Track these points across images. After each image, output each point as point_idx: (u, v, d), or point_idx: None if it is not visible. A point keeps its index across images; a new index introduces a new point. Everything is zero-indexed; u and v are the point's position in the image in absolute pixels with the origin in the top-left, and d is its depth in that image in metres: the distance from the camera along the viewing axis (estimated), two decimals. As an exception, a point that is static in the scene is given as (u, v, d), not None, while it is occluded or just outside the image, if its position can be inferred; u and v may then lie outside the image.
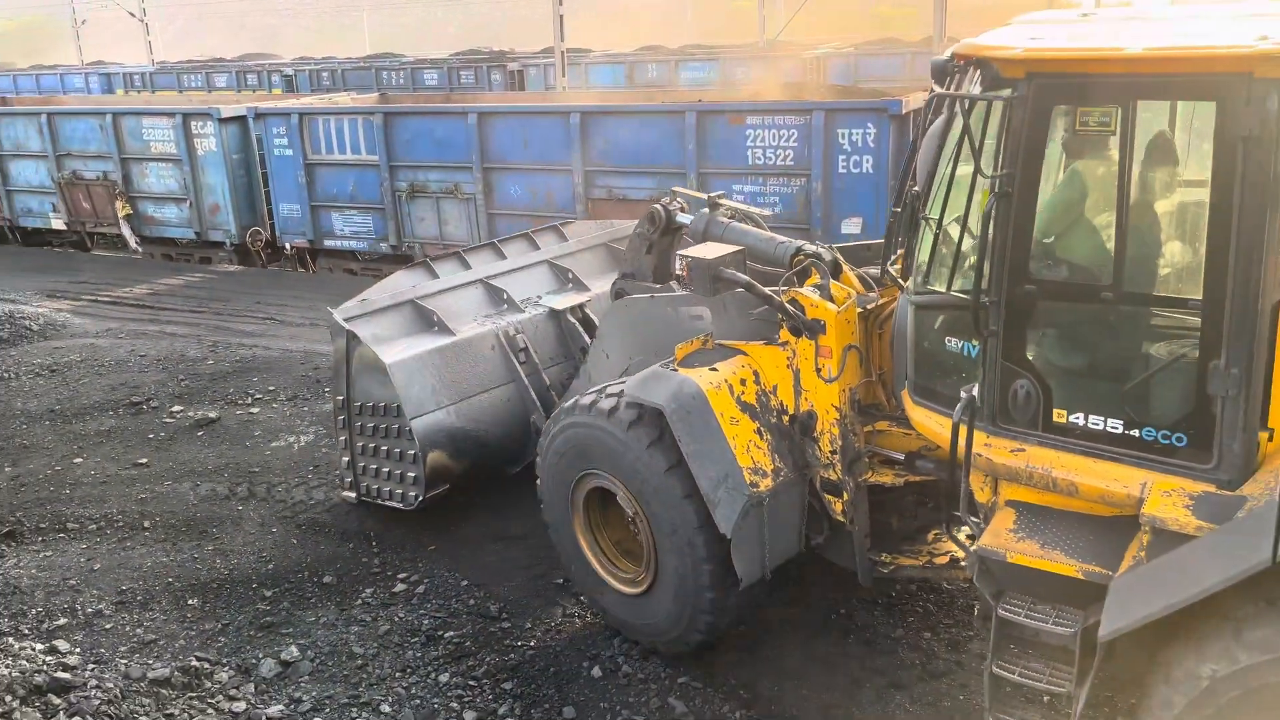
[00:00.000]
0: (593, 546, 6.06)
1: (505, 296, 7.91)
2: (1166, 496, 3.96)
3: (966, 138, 4.12)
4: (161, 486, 8.20)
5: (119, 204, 16.94)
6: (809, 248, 5.90)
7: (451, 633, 6.19)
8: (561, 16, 20.26)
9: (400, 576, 6.82)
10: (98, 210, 17.37)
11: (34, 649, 5.95)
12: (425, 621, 6.31)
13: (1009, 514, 4.49)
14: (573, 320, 7.83)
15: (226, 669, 5.78)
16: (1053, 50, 4.05)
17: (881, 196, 11.18)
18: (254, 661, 5.89)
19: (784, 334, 5.45)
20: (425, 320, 7.53)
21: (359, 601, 6.58)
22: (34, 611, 6.50)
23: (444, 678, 5.77)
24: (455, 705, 5.55)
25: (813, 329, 5.29)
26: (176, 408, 9.84)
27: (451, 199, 14.07)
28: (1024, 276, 4.21)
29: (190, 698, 5.43)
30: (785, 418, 5.53)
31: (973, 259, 4.30)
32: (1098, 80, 3.93)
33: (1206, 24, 4.21)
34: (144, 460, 8.68)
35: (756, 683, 5.61)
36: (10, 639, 6.13)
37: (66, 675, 5.37)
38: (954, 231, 4.43)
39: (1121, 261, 4.03)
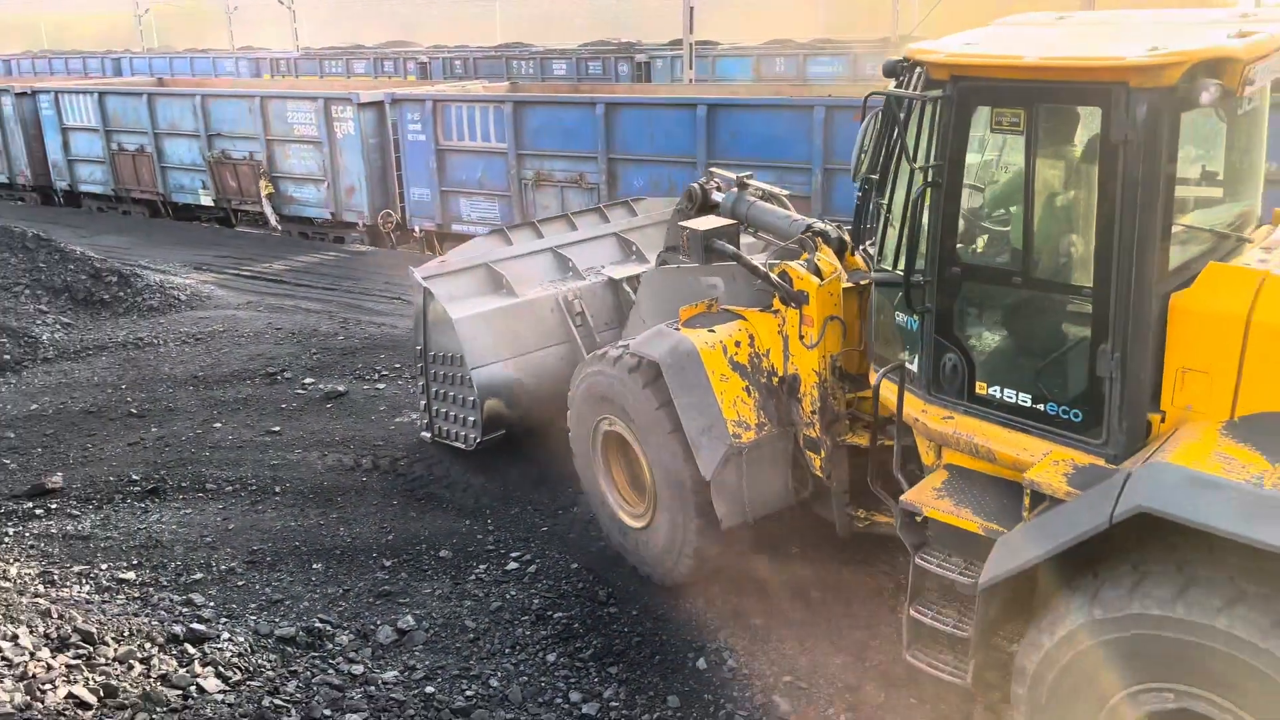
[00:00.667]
0: (609, 483, 6.78)
1: (571, 265, 8.50)
2: (1053, 465, 4.36)
3: (896, 130, 4.72)
4: (292, 454, 8.57)
5: (262, 183, 17.76)
6: (818, 225, 6.36)
7: (560, 614, 6.30)
8: (691, 9, 20.25)
9: (513, 555, 6.97)
10: (243, 188, 18.25)
11: (172, 600, 6.32)
12: (535, 601, 6.43)
13: (941, 475, 4.97)
14: (628, 289, 8.21)
15: (347, 633, 6.01)
16: (972, 56, 4.44)
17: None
18: (372, 627, 6.11)
19: (776, 303, 5.99)
20: (495, 282, 8.19)
21: (473, 577, 6.75)
22: (173, 565, 6.89)
23: (551, 657, 5.88)
24: (561, 685, 5.65)
25: (798, 299, 5.76)
26: (308, 380, 10.28)
27: (576, 188, 14.25)
28: (952, 260, 4.65)
29: (313, 657, 5.67)
30: (775, 379, 6.05)
31: (921, 249, 4.73)
32: (1006, 85, 4.34)
33: (1134, 33, 4.41)
34: (276, 428, 9.09)
35: (861, 686, 5.54)
36: (151, 589, 6.51)
37: (201, 627, 5.68)
38: (899, 216, 4.86)
39: (1028, 250, 4.43)
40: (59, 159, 20.92)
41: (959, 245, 4.71)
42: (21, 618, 5.38)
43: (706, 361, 5.90)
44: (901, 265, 4.76)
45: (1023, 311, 4.73)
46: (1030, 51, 4.27)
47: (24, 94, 21.27)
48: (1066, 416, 4.46)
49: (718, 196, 7.21)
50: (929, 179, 4.55)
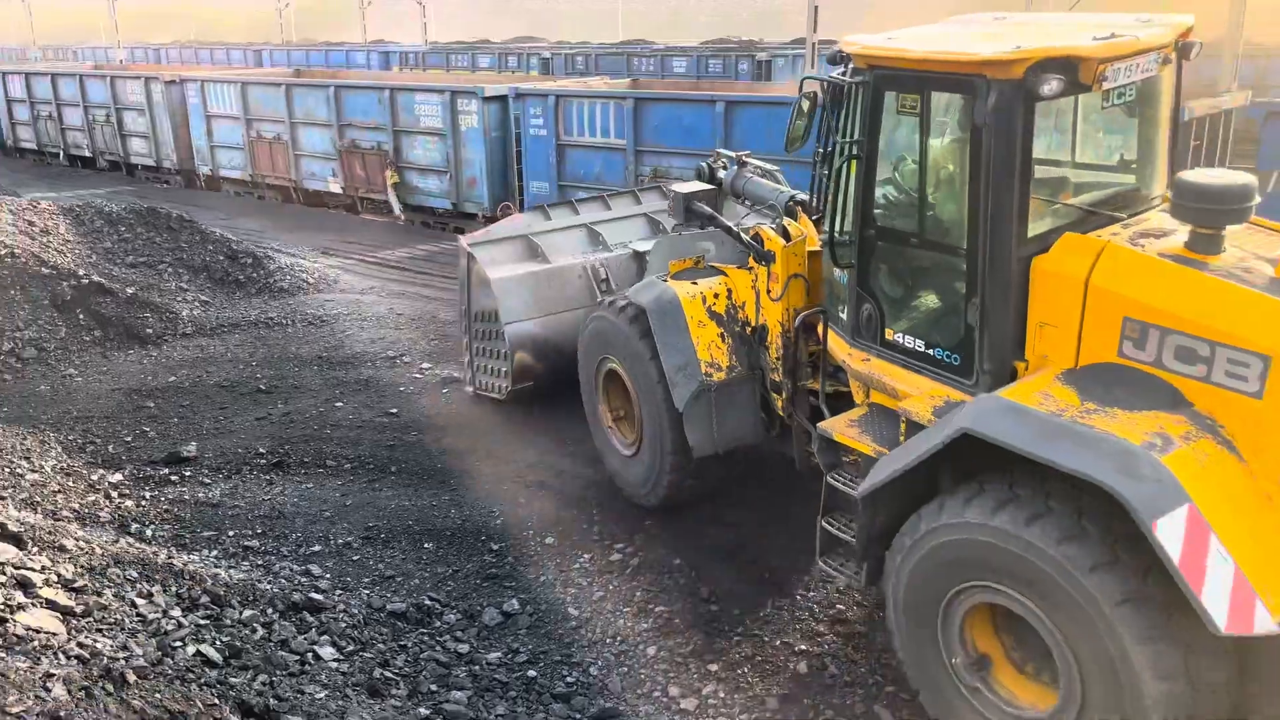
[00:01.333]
0: (607, 415, 7.76)
1: (602, 239, 9.42)
2: (927, 399, 5.20)
3: (826, 111, 5.73)
4: (408, 436, 8.84)
5: (388, 172, 18.32)
6: (800, 195, 7.00)
7: (662, 608, 6.33)
8: (816, 7, 20.02)
9: (617, 547, 7.04)
10: (370, 177, 18.87)
11: (292, 569, 6.60)
12: (638, 594, 6.49)
13: (861, 410, 5.87)
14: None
15: (454, 612, 6.18)
16: (883, 49, 5.14)
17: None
18: (479, 609, 6.27)
19: (751, 261, 6.68)
20: (532, 251, 9.17)
21: (577, 565, 6.85)
22: (294, 536, 7.20)
23: (651, 650, 5.92)
24: (661, 679, 5.68)
25: (767, 258, 6.48)
26: (425, 365, 10.58)
27: (692, 185, 14.26)
28: (869, 223, 5.44)
29: (421, 633, 5.85)
30: (748, 329, 6.82)
31: (842, 222, 5.55)
32: (906, 74, 5.06)
33: (1029, 33, 5.03)
34: (394, 410, 9.39)
35: (968, 704, 5.40)
36: (273, 558, 6.82)
37: (319, 597, 5.92)
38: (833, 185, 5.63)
39: (921, 216, 5.25)
40: (202, 145, 22.01)
41: (875, 210, 5.47)
42: (156, 577, 5.71)
43: (686, 309, 6.77)
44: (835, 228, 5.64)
45: (919, 269, 5.48)
46: (925, 47, 4.99)
47: (172, 82, 22.45)
48: (948, 360, 5.23)
49: (722, 174, 7.86)
50: (852, 153, 5.37)
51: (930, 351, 5.30)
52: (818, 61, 20.78)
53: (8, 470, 7.71)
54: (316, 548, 7.01)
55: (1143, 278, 4.61)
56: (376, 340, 11.39)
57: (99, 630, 4.84)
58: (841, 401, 6.18)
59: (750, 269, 6.73)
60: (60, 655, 4.36)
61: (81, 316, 11.44)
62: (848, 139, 5.37)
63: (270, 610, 5.66)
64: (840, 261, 5.61)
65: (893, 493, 4.93)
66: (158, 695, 4.02)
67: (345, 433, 8.92)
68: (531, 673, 5.63)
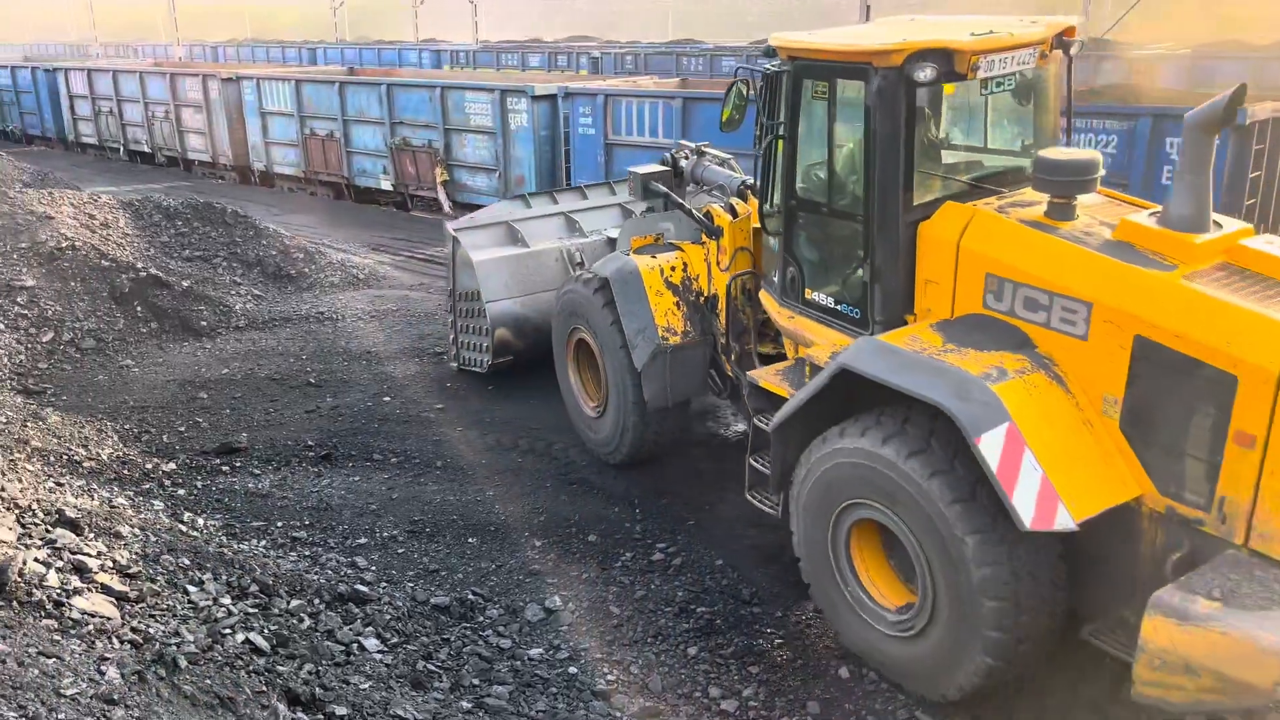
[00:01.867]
0: (576, 381, 8.57)
1: (578, 226, 10.14)
2: (831, 347, 6.01)
3: (759, 98, 6.43)
4: (453, 431, 8.92)
5: (438, 170, 18.51)
6: (749, 180, 7.79)
7: (703, 608, 6.33)
8: (868, 6, 19.89)
9: (659, 546, 7.05)
10: (420, 174, 19.06)
11: (338, 561, 6.69)
12: (679, 593, 6.48)
13: (789, 362, 6.75)
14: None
15: (497, 607, 6.22)
16: (802, 42, 5.94)
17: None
18: (521, 604, 6.30)
19: (704, 237, 7.53)
20: (512, 236, 9.88)
21: (619, 564, 6.86)
22: (340, 528, 7.29)
23: (692, 650, 5.92)
24: (701, 679, 5.68)
25: (716, 233, 7.34)
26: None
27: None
28: (791, 194, 6.25)
29: (464, 628, 5.90)
30: (701, 298, 7.64)
31: (774, 195, 6.45)
32: (817, 64, 5.91)
33: (923, 29, 5.79)
34: (441, 406, 9.48)
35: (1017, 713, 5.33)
36: (320, 549, 6.92)
37: (365, 589, 5.99)
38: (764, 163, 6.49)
39: (829, 188, 6.06)
40: (257, 141, 22.39)
41: (796, 184, 6.25)
42: (207, 565, 5.82)
43: (645, 279, 7.53)
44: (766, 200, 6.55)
45: (829, 235, 6.30)
46: (833, 41, 5.82)
47: (229, 80, 22.86)
48: (850, 314, 6.09)
49: (684, 163, 8.64)
50: (778, 133, 6.21)
51: (838, 307, 6.20)
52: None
53: (66, 457, 7.90)
54: (362, 540, 7.10)
55: (1002, 240, 5.45)
56: (425, 336, 11.50)
57: (151, 616, 4.95)
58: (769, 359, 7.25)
59: (704, 244, 7.60)
60: (114, 639, 4.47)
61: (139, 308, 11.69)
62: (775, 122, 6.22)
63: (317, 601, 5.74)
64: (770, 230, 6.64)
65: (797, 426, 5.76)
66: (207, 681, 4.10)
67: (392, 427, 9.03)
68: (572, 669, 5.65)
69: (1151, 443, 4.84)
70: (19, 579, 4.64)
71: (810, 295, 6.36)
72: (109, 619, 4.68)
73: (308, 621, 5.44)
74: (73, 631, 4.43)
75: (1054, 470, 4.72)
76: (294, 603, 5.60)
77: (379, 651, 5.34)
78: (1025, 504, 4.62)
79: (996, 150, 6.32)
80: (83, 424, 8.98)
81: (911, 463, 5.00)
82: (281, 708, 4.26)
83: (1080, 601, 5.14)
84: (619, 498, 7.74)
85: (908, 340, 5.34)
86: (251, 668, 4.65)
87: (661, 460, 8.27)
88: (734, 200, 7.53)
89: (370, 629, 5.53)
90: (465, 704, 5.04)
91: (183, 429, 9.08)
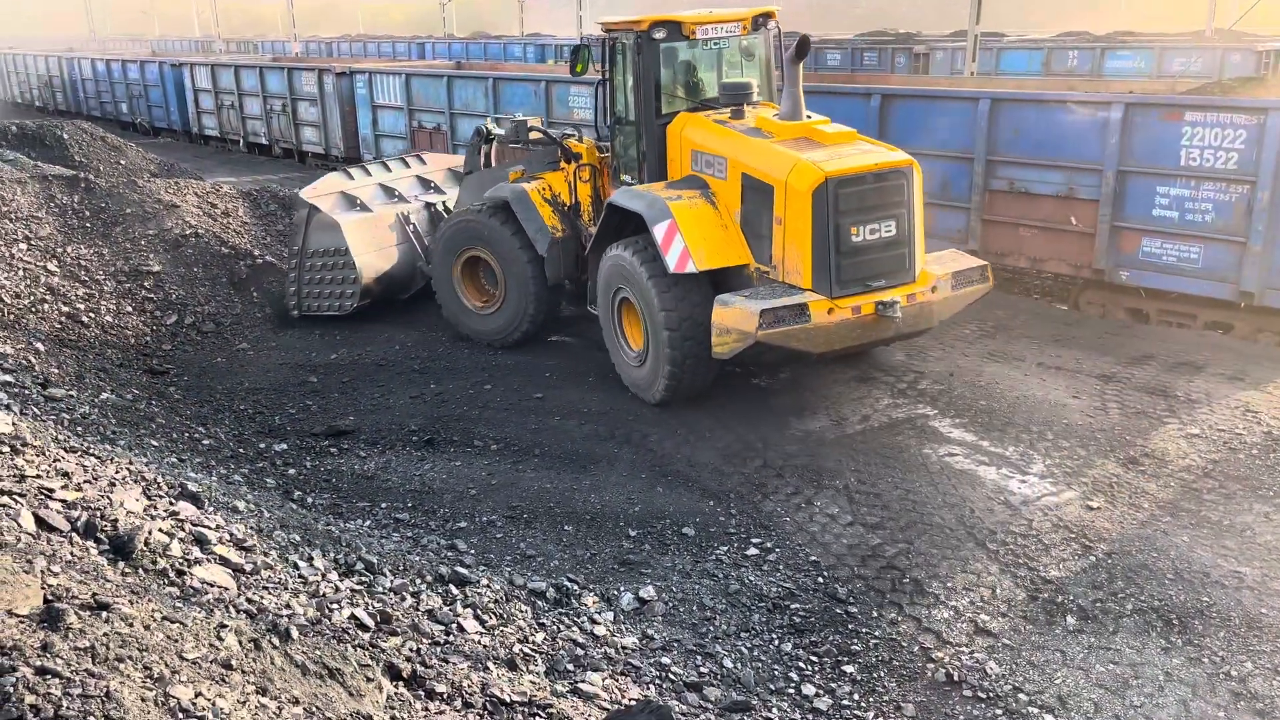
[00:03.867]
0: (463, 290, 11.23)
1: (396, 193, 12.71)
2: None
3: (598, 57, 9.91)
4: (552, 420, 9.05)
5: (540, 163, 18.72)
6: (570, 133, 11.28)
7: (797, 605, 6.29)
8: (980, -2, 19.35)
9: (754, 541, 7.03)
10: (523, 167, 19.31)
11: (439, 544, 6.87)
12: (773, 589, 6.46)
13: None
14: (439, 209, 12.65)
15: (592, 594, 6.29)
16: (610, 21, 9.63)
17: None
18: (615, 593, 6.36)
19: (562, 164, 10.66)
20: (351, 203, 12.14)
21: (713, 557, 6.87)
22: (441, 511, 7.48)
23: (786, 647, 5.89)
24: (794, 676, 5.65)
25: (575, 157, 10.52)
26: (569, 341, 10.78)
27: (843, 180, 14.03)
28: (614, 115, 9.89)
29: (560, 613, 5.99)
30: (566, 207, 10.63)
31: (606, 119, 10.10)
32: (616, 33, 9.51)
33: (676, 13, 9.36)
34: (540, 395, 9.62)
35: (1119, 729, 5.16)
36: (421, 531, 7.11)
37: (464, 571, 6.13)
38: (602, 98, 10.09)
39: (625, 109, 9.71)
40: (368, 133, 23.02)
41: (614, 109, 9.84)
42: (316, 542, 6.04)
43: (532, 196, 10.50)
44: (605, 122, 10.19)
45: (624, 138, 9.85)
46: (619, 17, 9.63)
47: (342, 74, 23.55)
48: (634, 183, 9.67)
49: (497, 131, 11.78)
50: (606, 78, 9.83)
51: (630, 181, 9.78)
52: (978, 54, 20.11)
53: (188, 435, 8.29)
54: (462, 524, 7.27)
55: (699, 131, 9.22)
56: (524, 326, 11.66)
57: (265, 588, 5.16)
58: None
59: (561, 169, 10.67)
60: (231, 609, 4.68)
61: (255, 294, 12.17)
62: (604, 71, 9.80)
63: (418, 580, 5.91)
64: (603, 139, 10.28)
65: (596, 253, 9.71)
66: (317, 652, 4.26)
67: (493, 414, 9.21)
68: (665, 660, 5.68)
69: (753, 235, 8.74)
70: (145, 547, 4.90)
71: (623, 178, 9.95)
72: (226, 589, 4.91)
73: (409, 600, 5.60)
74: (193, 599, 4.66)
75: (693, 244, 8.53)
76: (397, 581, 5.77)
77: (477, 633, 5.46)
78: (672, 259, 8.55)
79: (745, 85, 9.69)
80: (202, 404, 9.41)
81: (635, 257, 8.90)
82: (385, 682, 4.40)
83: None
84: (715, 493, 7.74)
85: (644, 189, 9.26)
86: (357, 642, 4.81)
87: (753, 457, 8.24)
88: (570, 142, 10.72)
89: (469, 610, 5.65)
90: (560, 687, 5.12)
91: (294, 411, 9.43)
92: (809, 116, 8.87)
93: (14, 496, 5.01)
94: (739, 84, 9.33)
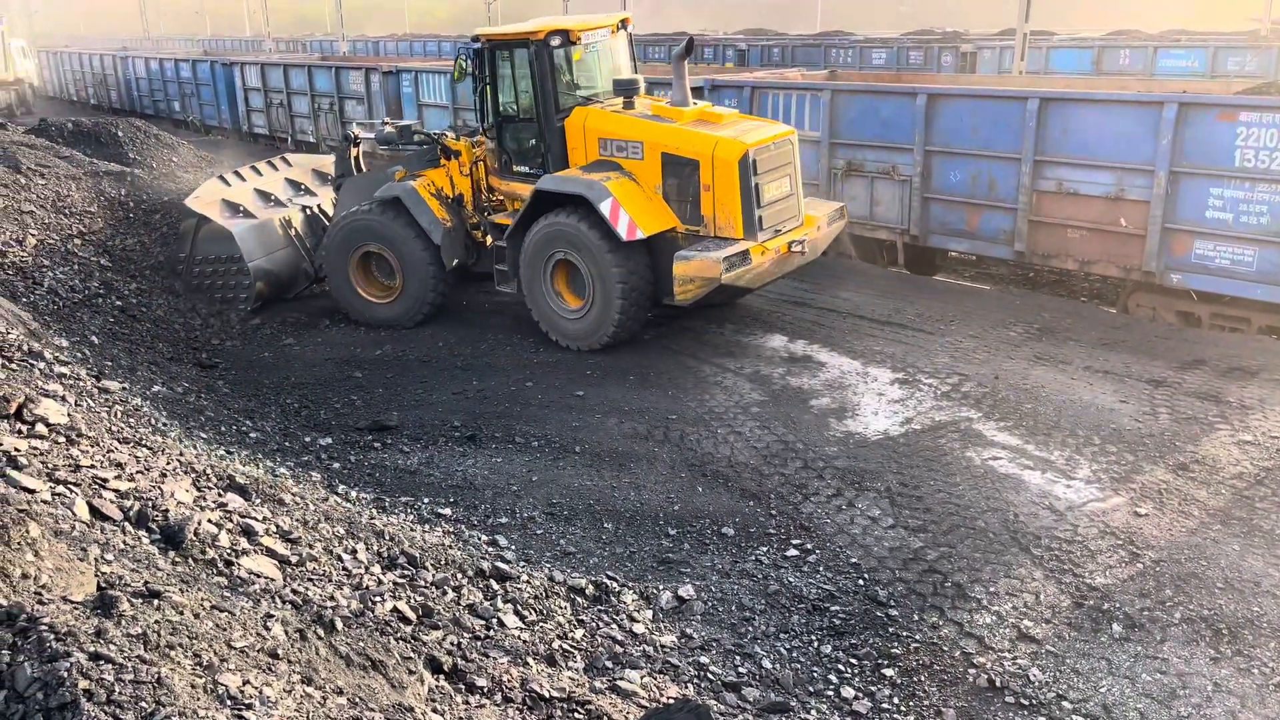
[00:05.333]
0: (359, 283, 12.03)
1: (273, 198, 13.27)
2: (529, 191, 11.12)
3: (475, 65, 11.39)
4: (592, 418, 9.08)
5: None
6: (448, 133, 12.40)
7: (837, 607, 6.26)
8: (1030, -4, 19.05)
9: (794, 543, 7.00)
10: (565, 166, 19.37)
11: (480, 539, 6.92)
12: (813, 591, 6.43)
13: (509, 212, 11.68)
14: (316, 212, 13.21)
15: (631, 592, 6.31)
16: (490, 32, 11.23)
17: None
18: (654, 592, 6.37)
19: (443, 161, 11.86)
20: (235, 209, 12.55)
21: (752, 558, 6.85)
22: (482, 507, 7.54)
23: (826, 649, 5.87)
24: (834, 678, 5.62)
25: (454, 154, 11.81)
26: (610, 347, 10.80)
27: (887, 180, 13.92)
28: (498, 113, 11.44)
29: (599, 610, 6.01)
30: (450, 199, 11.83)
31: (490, 118, 11.62)
32: (499, 43, 11.08)
33: (562, 21, 11.25)
34: (580, 392, 9.66)
35: (1165, 739, 5.08)
36: (463, 526, 7.17)
37: (505, 566, 6.18)
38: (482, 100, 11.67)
39: (519, 108, 11.33)
40: (412, 132, 23.24)
41: (500, 107, 11.37)
42: (360, 535, 6.12)
43: (421, 192, 11.57)
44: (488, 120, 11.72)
45: (520, 133, 11.42)
46: (507, 29, 11.11)
47: (389, 73, 23.79)
48: (538, 173, 11.11)
49: (364, 135, 12.85)
50: (486, 82, 11.28)
51: (531, 170, 11.31)
52: (1027, 52, 19.82)
53: (235, 428, 8.43)
54: (503, 519, 7.32)
55: (604, 121, 10.77)
56: (566, 324, 11.71)
57: (309, 580, 5.25)
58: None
59: (442, 165, 11.86)
60: (277, 599, 4.76)
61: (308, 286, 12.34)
62: (484, 78, 11.25)
63: (459, 575, 5.96)
64: (489, 136, 11.70)
65: (517, 233, 11.02)
66: (361, 644, 4.32)
67: (534, 411, 9.26)
68: (704, 659, 5.68)
69: (676, 202, 10.44)
70: (194, 537, 5.00)
71: (516, 169, 11.54)
72: (272, 580, 4.99)
73: (451, 594, 5.66)
74: (240, 589, 4.75)
75: (635, 216, 10.12)
76: (438, 575, 5.83)
77: (517, 628, 5.50)
78: (623, 229, 10.05)
79: (601, 82, 11.47)
80: (249, 397, 9.57)
81: (583, 225, 10.26)
82: (427, 675, 4.45)
83: (658, 289, 10.52)
84: (754, 493, 7.73)
85: (567, 175, 10.73)
86: (399, 635, 4.87)
87: (793, 458, 8.21)
88: (449, 139, 11.99)
89: (510, 605, 5.70)
90: (599, 684, 5.14)
91: (339, 405, 9.56)
92: (695, 103, 10.93)
93: (70, 486, 5.13)
94: (629, 80, 10.89)
